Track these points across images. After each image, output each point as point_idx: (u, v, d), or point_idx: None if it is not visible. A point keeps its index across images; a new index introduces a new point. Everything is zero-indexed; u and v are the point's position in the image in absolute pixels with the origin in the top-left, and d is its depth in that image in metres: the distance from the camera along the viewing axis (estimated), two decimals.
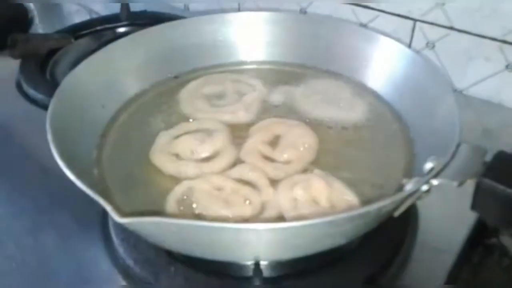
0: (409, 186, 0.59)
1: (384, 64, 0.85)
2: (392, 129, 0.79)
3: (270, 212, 0.66)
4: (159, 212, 0.66)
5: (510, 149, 0.59)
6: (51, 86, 0.89)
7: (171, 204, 0.67)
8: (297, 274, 0.65)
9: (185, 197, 0.68)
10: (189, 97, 0.85)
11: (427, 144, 0.72)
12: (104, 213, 0.73)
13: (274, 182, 0.70)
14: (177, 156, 0.74)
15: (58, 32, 1.16)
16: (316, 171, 0.71)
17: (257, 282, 0.63)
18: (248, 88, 0.87)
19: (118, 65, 0.85)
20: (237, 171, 0.72)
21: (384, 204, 0.55)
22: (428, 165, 0.61)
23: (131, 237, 0.69)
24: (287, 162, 0.73)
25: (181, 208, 0.67)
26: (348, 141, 0.78)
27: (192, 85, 0.87)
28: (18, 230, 0.75)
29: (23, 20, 1.25)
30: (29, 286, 0.67)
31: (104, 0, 1.31)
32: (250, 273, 0.63)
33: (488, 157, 0.58)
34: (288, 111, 0.83)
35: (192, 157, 0.74)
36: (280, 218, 0.65)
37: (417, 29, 0.99)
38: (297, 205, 0.66)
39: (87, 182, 0.58)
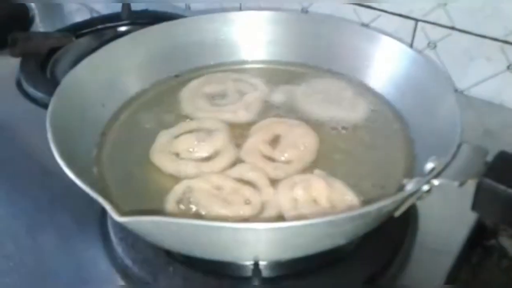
0: (409, 186, 0.59)
1: (385, 63, 0.85)
2: (393, 129, 0.79)
3: (270, 212, 0.66)
4: (158, 211, 0.66)
5: (511, 150, 0.59)
6: (52, 85, 0.88)
7: (170, 203, 0.67)
8: (297, 275, 0.65)
9: (184, 196, 0.68)
10: (190, 96, 0.85)
11: (428, 144, 0.71)
12: (103, 213, 0.73)
13: (274, 182, 0.70)
14: (177, 155, 0.74)
15: (59, 30, 1.15)
16: (317, 171, 0.71)
17: (256, 282, 0.63)
18: (249, 87, 0.87)
19: (119, 64, 0.84)
20: (237, 171, 0.71)
21: (385, 204, 0.55)
22: (429, 165, 0.61)
23: (129, 237, 0.69)
24: (287, 162, 0.73)
25: (181, 207, 0.67)
26: (349, 141, 0.78)
27: (193, 84, 0.87)
28: (16, 229, 0.74)
29: (23, 18, 1.25)
30: (27, 286, 0.67)
31: None
32: (249, 273, 0.63)
33: (489, 158, 0.58)
34: (289, 111, 0.83)
35: (192, 156, 0.74)
36: (280, 218, 0.65)
37: (418, 29, 0.99)
38: (297, 205, 0.66)
39: (87, 181, 0.57)
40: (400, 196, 0.57)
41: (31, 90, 0.99)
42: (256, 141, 0.75)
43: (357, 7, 1.04)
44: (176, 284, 0.64)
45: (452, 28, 0.95)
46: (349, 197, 0.66)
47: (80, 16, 1.29)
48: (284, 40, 0.93)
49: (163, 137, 0.76)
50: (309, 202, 0.66)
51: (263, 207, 0.67)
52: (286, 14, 0.93)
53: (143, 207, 0.68)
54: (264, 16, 0.92)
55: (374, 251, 0.68)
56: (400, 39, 0.85)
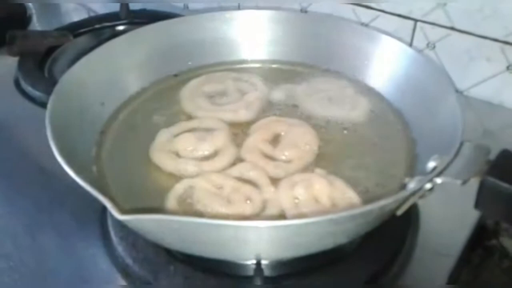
0: (411, 185, 0.59)
1: (385, 63, 0.85)
2: (394, 129, 0.79)
3: (271, 211, 0.66)
4: (159, 210, 0.65)
5: None
6: (50, 83, 0.88)
7: (171, 202, 0.67)
8: (298, 274, 0.65)
9: (185, 195, 0.67)
10: (190, 95, 0.85)
11: (429, 144, 0.71)
12: (103, 212, 0.73)
13: (274, 181, 0.70)
14: (177, 154, 0.74)
15: (57, 30, 1.15)
16: (317, 170, 0.71)
17: (258, 281, 0.63)
18: (250, 86, 0.86)
19: (118, 62, 0.84)
20: (238, 170, 0.71)
21: (387, 202, 0.55)
22: (431, 164, 0.61)
23: (130, 236, 0.68)
24: (288, 161, 0.73)
25: (182, 206, 0.66)
26: (350, 140, 0.78)
27: (193, 83, 0.87)
28: (16, 229, 0.74)
29: (21, 18, 1.24)
30: (27, 285, 0.66)
31: None
32: (251, 272, 0.63)
33: (491, 156, 0.58)
34: (290, 110, 0.83)
35: (192, 155, 0.73)
36: (281, 217, 0.65)
37: (418, 29, 0.99)
38: (298, 203, 0.66)
39: (87, 179, 0.57)
40: (402, 194, 0.57)
41: (29, 89, 0.99)
42: (256, 140, 0.75)
43: (356, 7, 1.04)
44: (177, 283, 0.63)
45: (452, 28, 0.95)
46: (351, 196, 0.66)
47: (77, 16, 1.28)
48: (284, 39, 0.92)
49: (163, 136, 0.76)
50: (310, 201, 0.66)
51: (264, 205, 0.66)
52: (286, 14, 0.93)
53: (143, 206, 0.67)
54: (264, 15, 0.92)
55: (376, 250, 0.67)
56: (399, 39, 0.85)
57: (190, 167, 0.71)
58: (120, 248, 0.68)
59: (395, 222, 0.63)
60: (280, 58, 0.93)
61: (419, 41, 1.00)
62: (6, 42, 1.07)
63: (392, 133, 0.78)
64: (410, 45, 1.00)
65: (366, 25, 1.04)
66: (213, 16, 0.92)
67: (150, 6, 1.24)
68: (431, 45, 0.99)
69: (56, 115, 0.68)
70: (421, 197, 0.59)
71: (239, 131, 0.78)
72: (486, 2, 0.90)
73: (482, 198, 0.57)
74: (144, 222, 0.54)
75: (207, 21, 0.92)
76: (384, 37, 0.85)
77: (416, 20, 0.99)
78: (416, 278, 0.66)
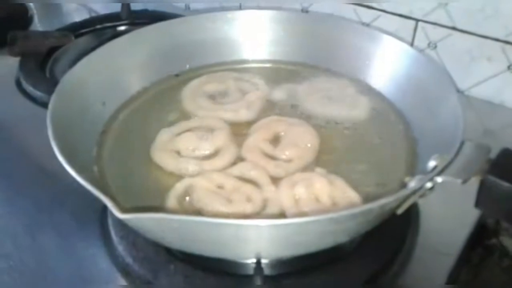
0: (412, 184, 0.59)
1: (386, 63, 0.85)
2: (395, 128, 0.79)
3: (272, 210, 0.66)
4: (159, 209, 0.65)
5: None
6: (51, 84, 0.88)
7: (171, 201, 0.67)
8: (298, 273, 0.64)
9: (186, 194, 0.67)
10: (191, 94, 0.85)
11: (430, 143, 0.71)
12: (103, 211, 0.73)
13: (275, 180, 0.70)
14: (178, 153, 0.74)
15: (59, 30, 1.15)
16: (318, 169, 0.71)
17: (258, 280, 0.63)
18: (251, 86, 0.86)
19: (119, 62, 0.84)
20: (238, 169, 0.71)
21: (387, 201, 0.55)
22: (432, 163, 0.61)
23: (130, 235, 0.68)
24: (288, 160, 0.73)
25: (182, 205, 0.66)
26: (350, 139, 0.78)
27: (194, 82, 0.87)
28: (16, 228, 0.74)
29: (22, 18, 1.25)
30: (27, 285, 0.66)
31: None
32: (251, 271, 0.63)
33: (492, 155, 0.58)
34: (291, 110, 0.83)
35: (193, 154, 0.73)
36: (282, 216, 0.65)
37: (419, 29, 0.99)
38: (298, 202, 0.66)
39: (88, 179, 0.57)
40: (402, 193, 0.57)
41: (30, 89, 0.99)
42: (256, 139, 0.75)
43: (357, 7, 1.05)
44: (177, 282, 0.63)
45: (453, 28, 0.95)
46: (351, 195, 0.66)
47: (78, 16, 1.28)
48: (285, 39, 0.92)
49: (164, 135, 0.76)
50: (310, 200, 0.66)
51: (264, 205, 0.66)
52: (287, 13, 0.93)
53: (144, 205, 0.67)
54: (265, 15, 0.92)
55: (376, 249, 0.67)
56: (401, 39, 0.85)
57: (190, 166, 0.71)
58: (120, 248, 0.68)
59: (395, 221, 0.63)
60: (281, 58, 0.93)
61: (420, 41, 1.00)
62: (7, 42, 1.07)
63: (393, 133, 0.78)
64: (411, 45, 1.00)
65: (367, 25, 1.04)
66: (214, 16, 0.92)
67: (151, 6, 1.24)
68: (432, 45, 0.99)
69: (57, 114, 0.68)
70: (422, 196, 0.59)
71: (240, 130, 0.78)
72: (487, 2, 0.90)
73: (483, 197, 0.57)
74: (144, 221, 0.54)
75: (208, 21, 0.92)
76: (386, 37, 0.85)
77: (417, 20, 0.99)
78: (416, 277, 0.66)
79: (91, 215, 0.73)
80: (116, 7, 1.21)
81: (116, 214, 0.52)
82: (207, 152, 0.74)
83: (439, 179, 0.57)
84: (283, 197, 0.67)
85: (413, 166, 0.72)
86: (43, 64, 1.06)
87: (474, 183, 0.58)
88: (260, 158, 0.72)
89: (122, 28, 1.19)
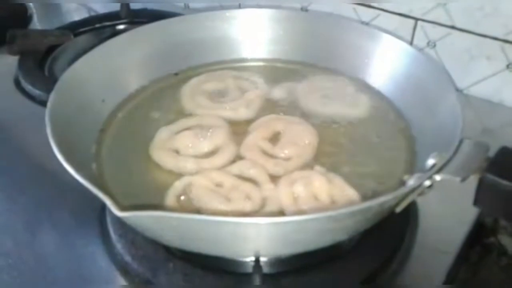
0: (411, 182, 0.59)
1: (386, 61, 0.85)
2: (394, 126, 0.79)
3: (271, 208, 0.66)
4: (158, 207, 0.65)
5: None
6: (50, 82, 0.88)
7: (170, 199, 0.67)
8: (297, 271, 0.65)
9: (185, 192, 0.67)
10: (190, 93, 0.85)
11: (428, 141, 0.71)
12: (102, 209, 0.73)
13: (274, 179, 0.70)
14: (176, 151, 0.74)
15: (58, 29, 1.15)
16: (317, 167, 0.71)
17: (256, 278, 0.63)
18: (250, 85, 0.86)
19: (118, 60, 0.84)
20: (237, 167, 0.71)
21: (386, 199, 0.55)
22: (430, 161, 0.61)
23: (129, 233, 0.68)
24: (287, 159, 0.73)
25: (181, 203, 0.66)
26: (349, 137, 0.78)
27: (193, 81, 0.87)
28: (15, 226, 0.74)
29: (22, 17, 1.25)
30: (27, 283, 0.66)
31: None
32: (250, 269, 0.63)
33: (490, 154, 0.58)
34: (290, 108, 0.83)
35: (192, 152, 0.73)
36: (281, 214, 0.65)
37: (418, 28, 0.99)
38: (297, 201, 0.66)
39: (86, 177, 0.57)
40: (401, 191, 0.57)
41: (29, 88, 0.99)
42: (255, 137, 0.75)
43: (356, 6, 1.04)
44: (176, 280, 0.63)
45: (452, 27, 0.95)
46: (350, 193, 0.66)
47: (78, 16, 1.29)
48: (285, 38, 0.92)
49: (162, 134, 0.76)
50: (309, 198, 0.66)
51: (263, 203, 0.66)
52: (287, 12, 0.93)
53: (143, 203, 0.67)
54: (264, 14, 0.92)
55: (375, 248, 0.67)
56: (400, 37, 0.85)
57: (189, 165, 0.71)
58: (119, 246, 0.68)
59: (394, 219, 0.63)
60: (281, 57, 0.93)
61: (420, 40, 1.00)
62: (6, 41, 1.07)
63: (392, 131, 0.78)
64: (411, 44, 1.00)
65: (366, 24, 1.04)
66: (213, 15, 0.92)
67: (150, 5, 1.24)
68: (432, 44, 0.99)
69: (56, 112, 0.68)
70: (420, 194, 0.59)
71: (239, 129, 0.78)
72: (487, 1, 0.90)
73: (481, 195, 0.57)
74: (143, 219, 0.54)
75: (208, 20, 0.92)
76: (385, 36, 0.85)
77: (416, 19, 0.99)
78: (414, 275, 0.67)
79: (90, 213, 0.73)
80: (116, 7, 1.21)
81: (114, 212, 0.52)
82: (206, 151, 0.74)
83: (437, 177, 0.57)
84: (282, 195, 0.67)
85: (412, 164, 0.72)
86: (42, 62, 1.06)
87: (472, 181, 0.58)
88: (259, 156, 0.72)
89: (121, 27, 1.19)
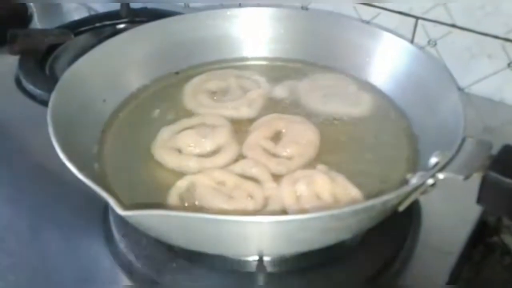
0: (414, 180, 0.59)
1: (387, 60, 0.85)
2: (396, 125, 0.79)
3: (273, 207, 0.65)
4: (161, 206, 0.65)
5: None
6: (51, 82, 0.88)
7: (173, 198, 0.66)
8: (300, 270, 0.65)
9: (187, 191, 0.67)
10: (192, 92, 0.85)
11: (430, 140, 0.71)
12: (105, 209, 0.73)
13: (276, 178, 0.70)
14: (179, 151, 0.74)
15: (58, 28, 1.15)
16: (319, 166, 0.71)
17: (260, 277, 0.63)
18: (252, 84, 0.86)
19: (120, 59, 0.84)
20: (240, 166, 0.71)
21: (389, 198, 0.55)
22: (433, 160, 0.61)
23: (132, 233, 0.68)
24: (289, 158, 0.73)
25: (183, 202, 0.66)
26: (351, 136, 0.78)
27: (195, 80, 0.87)
28: (18, 226, 0.74)
29: (22, 17, 1.24)
30: (30, 283, 0.66)
31: None
32: (253, 268, 0.63)
33: (493, 152, 0.58)
34: (292, 107, 0.83)
35: (194, 152, 0.73)
36: (283, 213, 0.65)
37: (419, 26, 0.99)
38: (300, 200, 0.66)
39: (89, 176, 0.57)
40: (404, 190, 0.57)
41: (30, 87, 0.99)
42: (257, 137, 0.75)
43: (357, 5, 1.04)
44: (180, 280, 0.64)
45: (453, 25, 0.95)
46: (353, 192, 0.66)
47: (78, 15, 1.28)
48: (285, 36, 0.92)
49: (165, 133, 0.76)
50: (312, 197, 0.66)
51: (266, 202, 0.66)
52: (288, 11, 0.93)
53: (145, 202, 0.67)
54: (265, 13, 0.92)
55: (378, 247, 0.67)
56: (401, 36, 0.85)
57: (192, 164, 0.71)
58: (122, 245, 0.68)
59: (397, 218, 0.63)
60: (282, 56, 0.93)
61: (420, 39, 1.00)
62: (7, 40, 1.07)
63: (394, 129, 0.78)
64: (411, 42, 1.00)
65: (367, 22, 1.04)
66: (214, 14, 0.92)
67: (150, 4, 1.24)
68: (432, 43, 0.99)
69: (58, 112, 0.68)
70: (423, 192, 0.59)
71: (241, 128, 0.78)
72: None
73: (484, 193, 0.57)
74: (146, 218, 0.54)
75: (208, 18, 0.91)
76: (386, 34, 0.85)
77: (417, 18, 0.98)
78: (418, 275, 0.66)
79: (93, 213, 0.73)
80: (116, 6, 1.21)
81: (117, 211, 0.52)
82: (208, 150, 0.74)
83: (440, 176, 0.57)
84: (284, 194, 0.66)
85: (415, 163, 0.72)
86: (42, 62, 1.05)
87: (475, 179, 0.58)
88: (261, 155, 0.72)
89: (122, 26, 1.19)
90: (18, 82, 1.02)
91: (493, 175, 0.55)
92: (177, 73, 0.90)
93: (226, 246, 0.59)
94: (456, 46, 0.96)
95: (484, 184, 0.56)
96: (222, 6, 1.14)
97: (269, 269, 0.63)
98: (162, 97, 0.85)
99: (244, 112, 0.80)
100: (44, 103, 0.70)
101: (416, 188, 0.57)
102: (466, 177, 0.56)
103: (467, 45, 0.95)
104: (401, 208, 0.60)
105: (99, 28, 1.18)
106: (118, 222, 0.70)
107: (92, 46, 0.83)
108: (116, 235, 0.69)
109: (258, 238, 0.56)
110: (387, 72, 0.85)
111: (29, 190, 0.79)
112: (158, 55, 0.89)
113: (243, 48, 0.94)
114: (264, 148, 0.74)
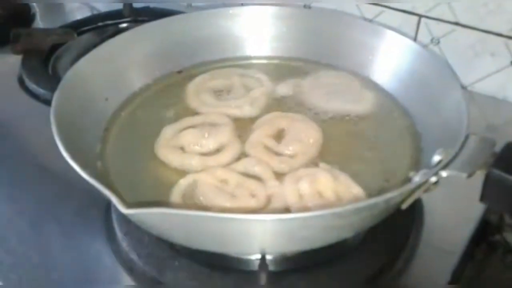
0: (417, 178, 0.59)
1: (390, 58, 0.85)
2: (399, 123, 0.79)
3: (276, 205, 0.65)
4: (163, 204, 0.65)
5: None
6: (53, 81, 0.89)
7: (176, 197, 0.67)
8: (302, 269, 0.64)
9: (190, 190, 0.67)
10: (195, 90, 0.85)
11: (434, 138, 0.71)
12: (107, 208, 0.73)
13: (279, 176, 0.70)
14: (181, 149, 0.74)
15: (61, 27, 1.15)
16: (322, 164, 0.71)
17: (262, 276, 0.63)
18: (255, 82, 0.86)
19: (122, 58, 0.84)
20: (242, 165, 0.71)
21: (392, 195, 0.55)
22: (436, 158, 0.61)
23: (134, 232, 0.68)
24: (292, 156, 0.73)
25: (186, 200, 0.66)
26: (354, 134, 0.78)
27: (198, 79, 0.87)
28: (20, 225, 0.74)
29: (25, 17, 1.25)
30: (32, 281, 0.66)
31: None
32: (256, 267, 0.63)
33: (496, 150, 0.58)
34: (295, 105, 0.83)
35: (197, 150, 0.73)
36: (286, 211, 0.65)
37: (422, 24, 0.99)
38: (302, 198, 0.66)
39: (92, 175, 0.57)
40: (407, 187, 0.57)
41: (33, 86, 0.99)
42: (260, 135, 0.75)
43: (360, 3, 1.04)
44: (182, 278, 0.63)
45: (456, 23, 0.95)
46: (355, 190, 0.66)
47: (80, 15, 1.28)
48: (288, 35, 0.92)
49: (168, 131, 0.76)
50: (314, 195, 0.66)
51: (268, 200, 0.66)
52: (290, 9, 0.93)
53: (148, 200, 0.67)
54: (268, 11, 0.92)
55: (380, 245, 0.67)
56: (404, 34, 0.85)
57: (194, 162, 0.71)
58: (124, 244, 0.68)
59: (399, 217, 0.63)
60: (284, 54, 0.93)
61: (424, 37, 0.99)
62: (10, 40, 1.07)
63: (397, 127, 0.78)
64: (414, 40, 0.99)
65: (370, 20, 1.04)
66: (217, 13, 0.92)
67: (153, 4, 1.24)
68: (436, 41, 0.99)
69: (61, 111, 0.68)
70: (426, 190, 0.58)
71: (244, 126, 0.78)
72: None
73: (488, 191, 0.57)
74: (148, 216, 0.54)
75: (211, 17, 0.92)
76: (389, 32, 0.85)
77: (420, 16, 0.98)
78: (420, 273, 0.66)
79: (95, 212, 0.73)
80: (118, 5, 1.21)
81: (120, 209, 0.52)
82: (211, 148, 0.74)
83: (443, 173, 0.56)
84: (287, 192, 0.66)
85: (418, 161, 0.72)
86: (45, 61, 1.06)
87: (479, 177, 0.57)
88: (264, 153, 0.72)
89: (124, 25, 1.19)
90: (21, 82, 1.02)
91: (497, 172, 0.55)
92: (179, 72, 0.90)
93: (228, 245, 0.59)
94: (459, 44, 0.96)
95: (488, 182, 0.56)
96: (225, 5, 1.13)
97: (271, 267, 0.63)
98: (165, 96, 0.85)
99: (247, 110, 0.80)
100: (47, 102, 0.70)
101: (419, 186, 0.57)
102: (469, 175, 0.56)
103: (470, 43, 0.95)
104: (404, 206, 0.60)
105: (101, 27, 1.18)
106: (120, 220, 0.70)
107: (95, 46, 0.84)
108: (118, 234, 0.69)
109: (261, 236, 0.56)
110: (390, 70, 0.85)
111: (32, 189, 0.79)
112: (161, 54, 0.89)
113: (246, 47, 0.94)
114: (266, 146, 0.74)
